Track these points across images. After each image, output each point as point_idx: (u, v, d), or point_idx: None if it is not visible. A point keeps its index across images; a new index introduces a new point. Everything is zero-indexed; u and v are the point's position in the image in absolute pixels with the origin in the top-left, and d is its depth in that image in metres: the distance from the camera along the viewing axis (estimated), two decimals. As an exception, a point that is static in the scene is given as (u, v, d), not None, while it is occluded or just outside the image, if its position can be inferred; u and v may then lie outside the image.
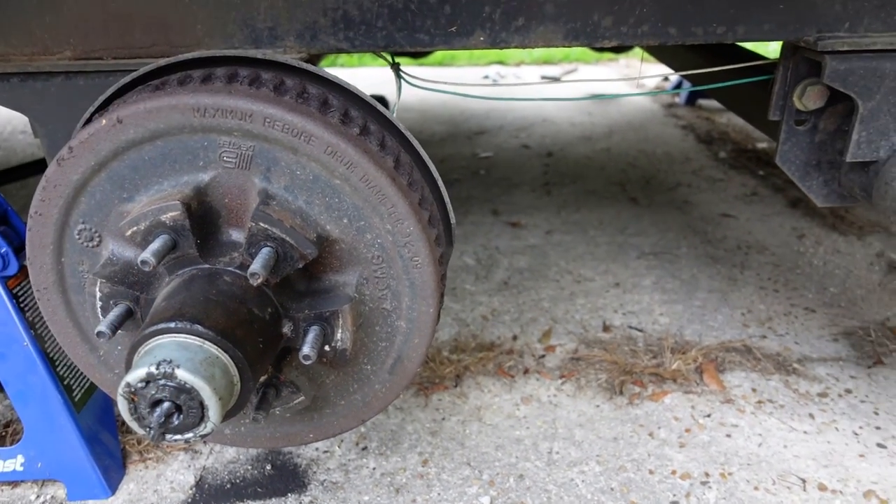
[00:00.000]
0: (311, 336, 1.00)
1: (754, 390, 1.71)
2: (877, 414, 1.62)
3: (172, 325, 0.89)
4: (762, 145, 3.50)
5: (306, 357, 0.97)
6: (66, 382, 1.45)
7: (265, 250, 0.95)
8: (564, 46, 1.18)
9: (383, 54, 1.41)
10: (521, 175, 3.25)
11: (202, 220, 1.00)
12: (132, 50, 1.20)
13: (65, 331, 1.12)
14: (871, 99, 1.17)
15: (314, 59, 1.34)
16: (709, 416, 1.63)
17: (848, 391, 1.70)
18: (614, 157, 3.46)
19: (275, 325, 0.99)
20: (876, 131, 1.20)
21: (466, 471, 1.49)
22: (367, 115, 1.08)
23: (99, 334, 0.95)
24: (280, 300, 1.01)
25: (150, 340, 0.89)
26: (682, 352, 1.83)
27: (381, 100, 3.44)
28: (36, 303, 1.45)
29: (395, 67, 1.34)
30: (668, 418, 1.63)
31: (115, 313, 0.99)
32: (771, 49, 3.55)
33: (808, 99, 1.23)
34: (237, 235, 1.03)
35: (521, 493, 1.43)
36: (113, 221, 1.02)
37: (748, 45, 1.63)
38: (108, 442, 1.54)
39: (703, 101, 4.34)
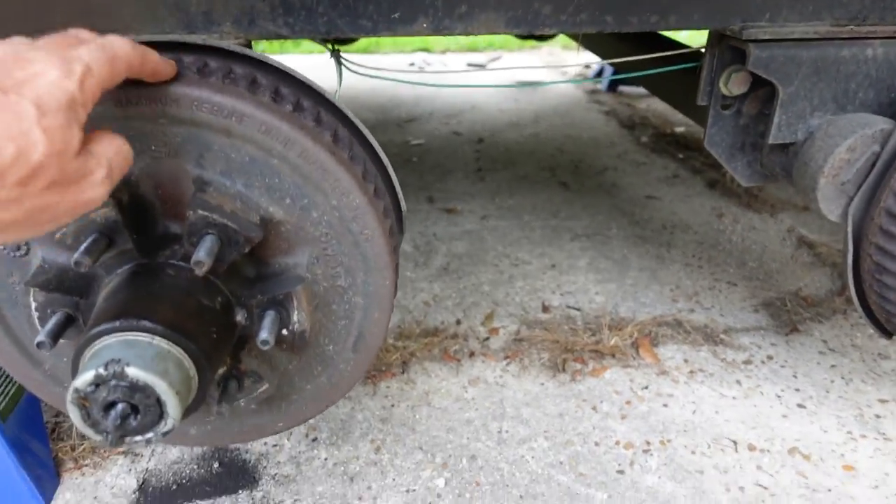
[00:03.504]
0: (266, 321, 0.98)
1: (686, 361, 1.81)
2: (795, 377, 1.75)
3: (117, 323, 0.85)
4: (680, 129, 3.67)
5: (264, 342, 0.95)
6: None
7: (207, 238, 0.92)
8: (506, 33, 1.20)
9: (323, 41, 1.39)
10: (453, 162, 3.27)
11: (136, 213, 0.96)
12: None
13: (2, 348, 1.05)
14: (790, 84, 1.25)
15: (251, 45, 1.30)
16: (646, 387, 1.71)
17: (770, 357, 1.83)
18: (543, 143, 3.54)
19: (227, 314, 0.97)
20: (794, 115, 1.29)
21: (419, 455, 1.50)
22: (299, 92, 1.06)
23: (39, 345, 0.90)
24: (230, 288, 0.98)
25: (96, 342, 0.85)
26: (618, 328, 1.91)
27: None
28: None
29: (336, 54, 1.32)
30: (609, 392, 1.70)
31: (53, 321, 0.94)
32: (683, 36, 3.72)
33: (733, 85, 1.31)
34: (176, 227, 0.99)
35: (475, 472, 1.46)
36: None
37: (669, 34, 1.70)
38: (38, 451, 1.46)
39: (623, 88, 4.49)
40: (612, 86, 4.47)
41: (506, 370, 1.79)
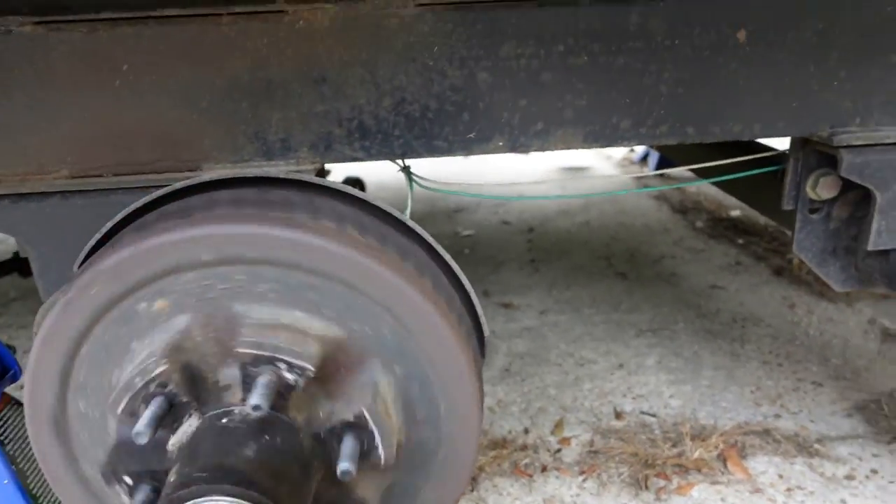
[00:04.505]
0: (345, 448, 0.92)
1: (780, 476, 1.66)
2: (907, 495, 1.58)
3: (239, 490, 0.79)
4: (736, 213, 3.59)
5: (344, 473, 0.88)
6: None
7: (264, 375, 0.88)
8: (584, 148, 1.17)
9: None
10: (505, 252, 3.24)
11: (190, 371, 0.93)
12: (135, 167, 1.15)
13: None
14: (888, 189, 1.18)
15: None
16: (740, 508, 1.56)
17: (874, 472, 1.66)
18: (595, 231, 3.49)
19: (308, 454, 0.91)
20: (895, 220, 1.21)
21: (497, 591, 1.38)
22: (387, 226, 1.04)
23: None
24: (304, 423, 0.93)
25: None
26: (701, 438, 1.78)
27: (358, 181, 3.43)
28: (15, 434, 1.34)
29: (406, 170, 1.31)
30: (699, 514, 1.55)
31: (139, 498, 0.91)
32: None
33: (822, 189, 1.25)
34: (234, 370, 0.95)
35: None
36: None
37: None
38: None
39: (671, 171, 4.46)
40: (659, 168, 4.44)
41: (582, 487, 1.66)
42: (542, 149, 1.15)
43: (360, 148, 1.14)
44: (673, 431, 1.83)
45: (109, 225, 1.02)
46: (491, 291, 2.79)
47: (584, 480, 1.68)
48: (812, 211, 1.31)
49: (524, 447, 1.81)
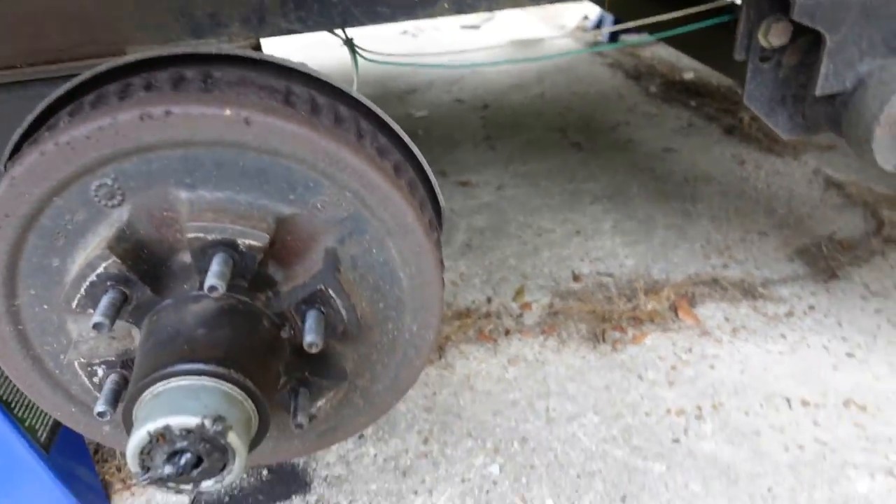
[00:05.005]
0: (310, 321, 0.95)
1: (727, 319, 1.78)
2: (840, 326, 1.72)
3: (209, 367, 0.81)
4: (689, 76, 3.57)
5: (311, 345, 0.91)
6: (27, 424, 1.34)
7: (215, 258, 0.88)
8: (532, 5, 1.13)
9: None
10: (461, 131, 3.20)
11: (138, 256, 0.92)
12: (50, 54, 1.07)
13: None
14: (838, 31, 1.18)
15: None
16: (690, 350, 1.69)
17: (811, 308, 1.79)
18: (549, 103, 3.45)
19: (271, 329, 0.94)
20: (843, 63, 1.22)
21: (469, 442, 1.49)
22: (325, 94, 1.01)
23: (99, 415, 0.88)
24: (262, 302, 0.95)
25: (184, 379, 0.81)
26: (654, 292, 1.88)
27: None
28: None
29: (350, 43, 1.26)
30: (652, 359, 1.67)
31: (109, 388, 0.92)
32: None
33: (773, 36, 1.24)
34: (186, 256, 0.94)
35: (528, 455, 1.44)
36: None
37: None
38: (85, 477, 1.45)
39: (625, 37, 4.37)
40: (614, 37, 4.34)
41: (544, 346, 1.76)
42: (489, 8, 1.11)
43: (295, 19, 1.08)
44: (628, 288, 1.93)
45: (31, 118, 0.96)
46: (448, 171, 2.78)
47: (545, 339, 1.78)
48: (763, 59, 1.31)
49: (488, 315, 1.89)
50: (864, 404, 1.48)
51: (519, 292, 1.98)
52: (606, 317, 1.81)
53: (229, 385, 0.82)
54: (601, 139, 2.96)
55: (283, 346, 0.97)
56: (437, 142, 3.08)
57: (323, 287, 0.95)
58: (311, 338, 0.91)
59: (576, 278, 2.02)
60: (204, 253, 0.88)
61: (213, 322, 0.88)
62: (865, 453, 1.36)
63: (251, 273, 0.92)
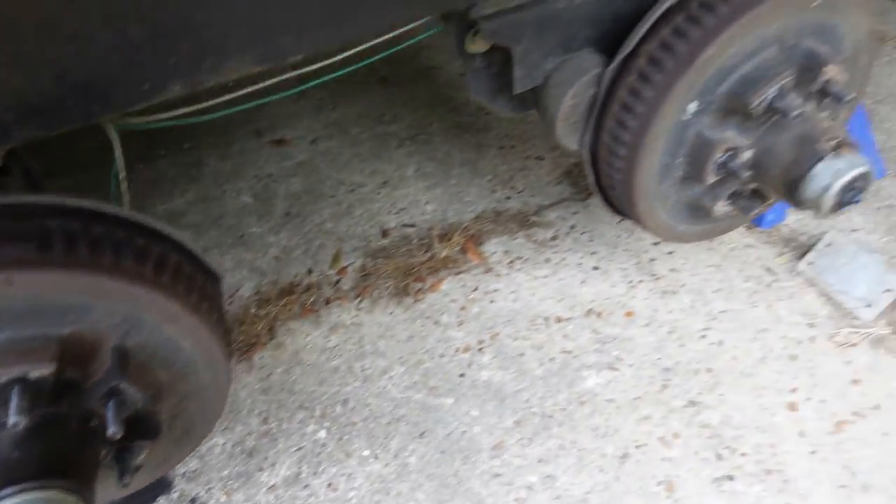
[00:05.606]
0: (110, 413, 1.16)
1: (506, 252, 2.12)
2: (592, 241, 2.10)
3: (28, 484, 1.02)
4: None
5: (114, 434, 1.14)
6: None
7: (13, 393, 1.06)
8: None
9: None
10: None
11: None
12: None
13: None
14: (520, 43, 1.42)
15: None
16: (476, 289, 2.02)
17: (572, 227, 2.16)
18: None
19: (80, 427, 1.15)
20: (530, 66, 1.48)
21: (301, 414, 1.79)
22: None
23: None
24: (71, 402, 1.15)
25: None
26: (447, 238, 2.17)
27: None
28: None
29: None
30: (446, 303, 2.00)
31: None
32: None
33: (476, 45, 1.49)
34: None
35: (349, 414, 1.77)
36: None
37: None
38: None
39: None
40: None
41: (359, 308, 2.04)
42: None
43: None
44: (427, 237, 2.21)
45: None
46: (262, 130, 2.85)
47: (359, 302, 2.06)
48: (475, 61, 1.56)
49: (309, 287, 2.13)
50: (601, 311, 1.89)
51: (335, 258, 2.22)
52: (409, 271, 2.10)
53: (51, 491, 1.03)
54: (405, 68, 3.09)
55: (96, 434, 1.18)
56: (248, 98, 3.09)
57: (116, 382, 1.15)
58: (113, 429, 1.12)
59: (384, 234, 2.27)
60: (2, 392, 1.05)
61: (25, 443, 1.08)
62: (597, 354, 1.79)
63: (48, 389, 1.10)
